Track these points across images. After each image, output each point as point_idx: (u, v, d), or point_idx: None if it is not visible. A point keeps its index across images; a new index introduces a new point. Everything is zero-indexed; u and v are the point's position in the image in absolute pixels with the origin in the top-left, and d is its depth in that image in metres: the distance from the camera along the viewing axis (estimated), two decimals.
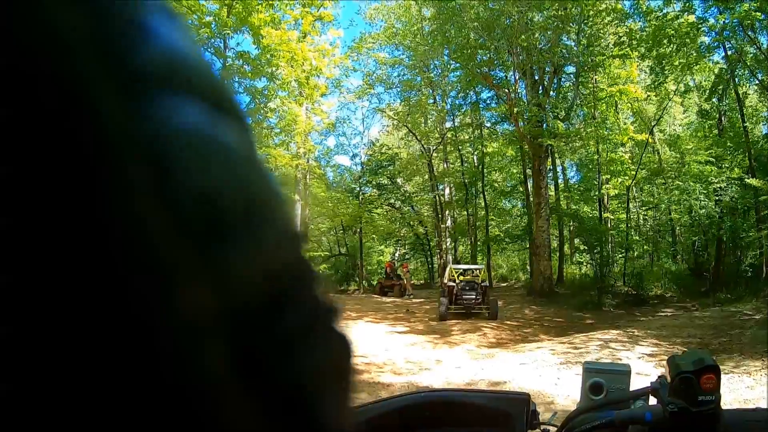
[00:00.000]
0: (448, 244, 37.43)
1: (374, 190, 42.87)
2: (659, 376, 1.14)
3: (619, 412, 1.12)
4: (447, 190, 38.43)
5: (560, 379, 9.86)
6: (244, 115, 0.32)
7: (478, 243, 37.00)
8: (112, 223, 0.19)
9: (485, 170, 36.23)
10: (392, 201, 43.25)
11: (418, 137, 38.49)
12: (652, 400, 1.15)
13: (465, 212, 38.14)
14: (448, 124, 37.77)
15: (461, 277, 22.48)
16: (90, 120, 0.19)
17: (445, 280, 23.24)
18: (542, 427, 1.36)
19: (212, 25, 21.33)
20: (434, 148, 38.48)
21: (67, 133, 0.19)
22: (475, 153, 37.24)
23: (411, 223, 44.44)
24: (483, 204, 36.40)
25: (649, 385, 1.15)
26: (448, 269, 24.39)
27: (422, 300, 28.38)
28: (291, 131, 22.40)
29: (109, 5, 0.22)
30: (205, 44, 21.65)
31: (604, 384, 1.24)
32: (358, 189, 41.76)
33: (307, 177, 29.55)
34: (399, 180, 43.83)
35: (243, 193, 0.27)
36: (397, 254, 49.11)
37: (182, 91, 0.24)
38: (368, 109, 40.97)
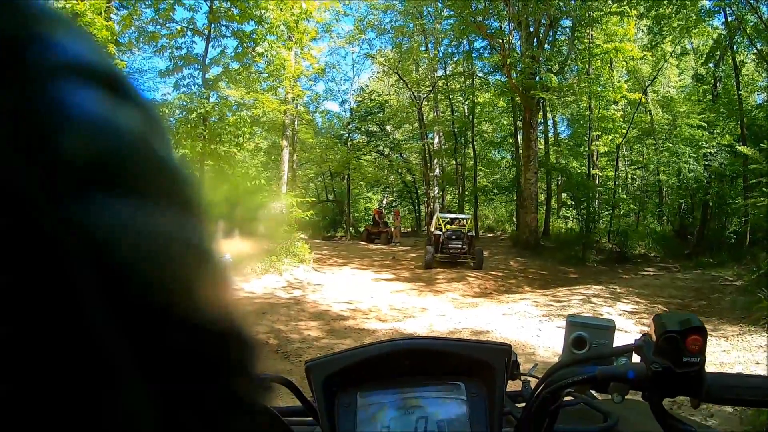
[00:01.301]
0: (435, 192, 37.46)
1: (363, 137, 42.72)
2: (643, 334, 1.11)
3: (601, 368, 1.09)
4: (436, 139, 38.25)
5: (541, 331, 10.02)
6: (197, 205, 0.33)
7: (466, 193, 37.12)
8: (64, 334, 0.19)
9: (475, 120, 36.11)
10: (381, 148, 43.14)
11: (409, 85, 38.21)
12: (636, 358, 1.12)
13: (453, 161, 38.13)
14: (439, 73, 37.52)
15: (448, 226, 22.57)
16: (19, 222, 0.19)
17: (432, 229, 23.36)
18: (522, 378, 1.40)
19: None
20: (425, 96, 38.23)
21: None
22: (466, 103, 37.13)
23: (399, 170, 44.43)
24: (472, 154, 36.43)
25: (633, 342, 1.12)
26: (435, 218, 24.51)
27: (408, 248, 28.61)
28: (279, 76, 22.18)
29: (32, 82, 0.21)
30: None
31: (587, 338, 1.22)
32: (346, 135, 41.62)
33: (296, 123, 29.27)
34: (388, 127, 43.73)
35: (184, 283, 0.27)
36: (384, 201, 49.18)
37: (114, 187, 0.23)
38: (358, 54, 40.58)
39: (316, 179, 45.97)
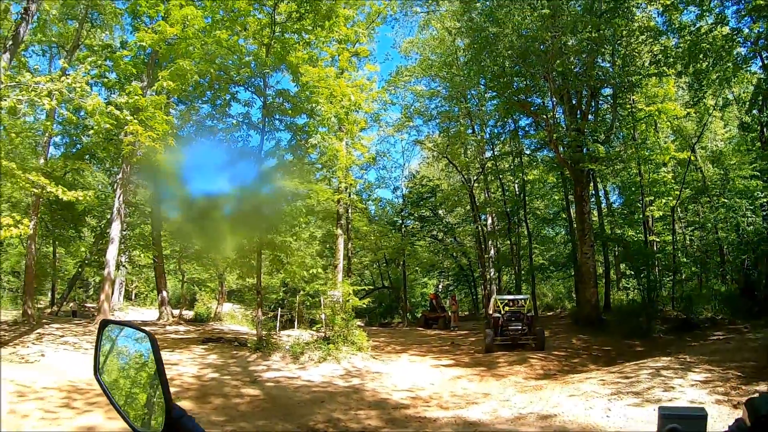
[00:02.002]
0: (491, 274, 37.10)
1: (416, 223, 42.80)
2: (737, 419, 1.08)
3: None
4: (489, 220, 38.17)
5: (611, 411, 9.59)
6: None
7: (522, 272, 36.65)
8: None
9: (527, 198, 35.97)
10: (434, 233, 43.16)
11: (459, 168, 38.54)
12: None
13: (508, 241, 37.84)
14: (487, 154, 37.67)
15: (506, 308, 22.21)
16: None
17: (490, 311, 23.02)
18: None
19: (252, 65, 21.62)
20: (475, 178, 38.39)
21: None
22: (516, 181, 37.11)
23: (454, 254, 44.19)
24: (526, 232, 36.05)
25: (726, 429, 1.07)
26: (492, 300, 24.14)
27: (467, 332, 28.12)
28: (332, 166, 22.52)
29: None
30: (245, 84, 21.95)
31: (681, 430, 1.18)
32: (400, 222, 41.88)
33: (349, 211, 29.59)
34: (440, 212, 43.81)
35: None
36: (440, 286, 49.01)
37: None
38: (407, 141, 41.25)
39: (372, 266, 46.09)
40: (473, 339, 24.23)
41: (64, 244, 34.15)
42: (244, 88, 22.41)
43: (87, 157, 27.58)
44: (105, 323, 2.20)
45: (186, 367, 15.76)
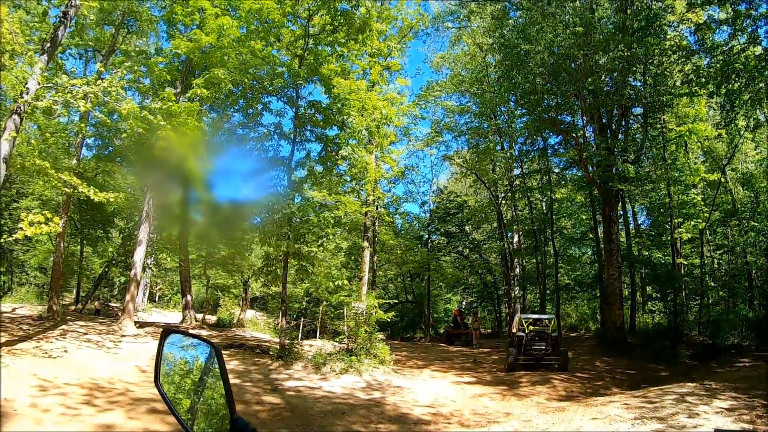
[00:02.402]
0: (516, 292, 36.88)
1: (442, 238, 42.73)
2: None
3: None
4: (516, 238, 38.01)
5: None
6: None
7: (547, 291, 36.39)
8: None
9: (554, 217, 35.76)
10: (460, 249, 42.99)
11: (487, 184, 38.46)
12: None
13: (534, 260, 37.63)
14: (516, 171, 37.63)
15: (531, 327, 22.03)
16: None
17: (514, 330, 22.86)
18: None
19: (285, 76, 21.71)
20: (503, 195, 38.29)
21: None
22: (544, 200, 36.96)
23: (479, 270, 43.99)
24: (552, 251, 35.80)
25: None
26: (516, 318, 23.95)
27: (490, 350, 27.98)
28: (362, 179, 22.48)
29: None
30: (278, 94, 22.03)
31: None
32: (426, 236, 41.88)
33: (376, 224, 29.50)
34: (467, 228, 43.78)
35: None
36: (464, 303, 48.81)
37: None
38: (436, 156, 41.24)
39: (396, 280, 46.09)
40: (495, 357, 24.17)
41: (91, 243, 34.87)
42: (277, 98, 22.53)
43: (119, 159, 27.88)
44: (168, 332, 2.20)
45: None
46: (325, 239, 22.70)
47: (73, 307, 33.64)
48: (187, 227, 30.38)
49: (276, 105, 34.10)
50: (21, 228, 13.70)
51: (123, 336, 21.23)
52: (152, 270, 39.11)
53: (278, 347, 19.67)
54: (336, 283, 21.51)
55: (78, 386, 12.05)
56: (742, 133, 27.86)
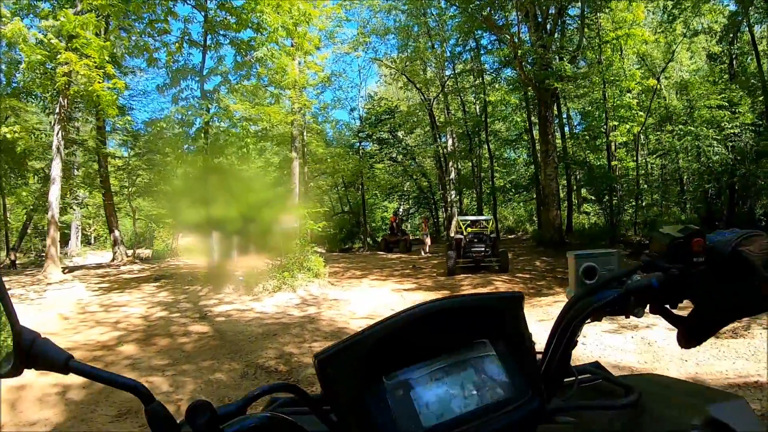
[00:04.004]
0: (452, 196, 36.52)
1: (375, 145, 41.84)
2: (644, 252, 1.20)
3: (628, 282, 1.15)
4: (449, 141, 37.29)
5: (586, 337, 8.93)
6: None
7: (484, 194, 36.14)
8: None
9: (488, 120, 35.15)
10: (394, 155, 42.25)
11: (418, 86, 37.38)
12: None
13: (469, 163, 37.20)
14: (447, 73, 36.57)
15: (469, 229, 21.58)
16: None
17: (452, 233, 22.44)
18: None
19: None
20: (435, 97, 37.34)
21: None
22: (477, 102, 36.25)
23: (414, 176, 43.49)
24: (487, 154, 35.36)
25: (638, 263, 1.18)
26: (454, 221, 23.54)
27: (428, 255, 27.62)
28: (281, 84, 21.27)
29: None
30: None
31: (597, 267, 1.31)
32: (358, 144, 40.89)
33: (304, 134, 28.55)
34: (400, 133, 42.90)
35: None
36: (401, 209, 48.48)
37: None
38: (364, 59, 39.79)
39: (331, 191, 45.31)
40: (435, 262, 23.74)
41: (9, 192, 32.37)
42: (183, 1, 20.79)
43: (22, 95, 25.83)
44: None
45: (134, 307, 14.96)
46: (245, 150, 21.37)
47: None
48: (104, 158, 29.18)
49: (183, 10, 31.83)
50: None
51: (49, 284, 20.04)
52: (76, 210, 37.82)
53: (207, 272, 18.79)
54: (263, 196, 20.61)
55: None
56: (679, 40, 27.54)
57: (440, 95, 37.19)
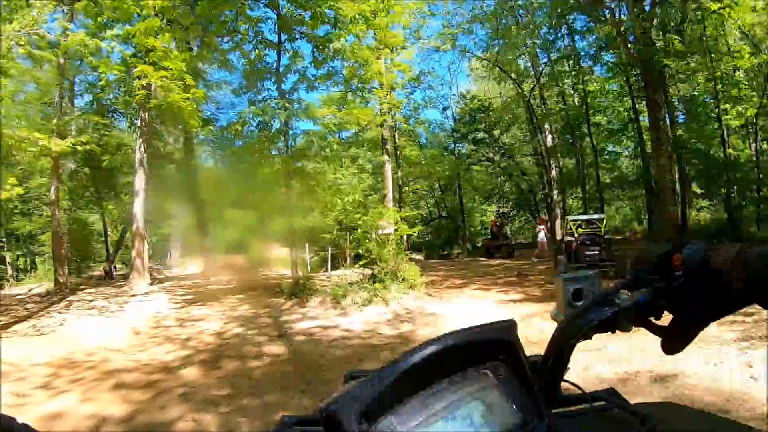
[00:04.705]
0: (555, 196, 34.31)
1: (471, 145, 40.04)
2: (627, 271, 1.22)
3: (618, 300, 1.17)
4: (549, 137, 35.03)
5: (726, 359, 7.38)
6: None
7: (588, 193, 34.01)
8: None
9: (589, 112, 32.91)
10: (490, 155, 40.38)
11: (512, 76, 35.37)
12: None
13: (573, 159, 35.17)
14: (543, 61, 34.54)
15: (580, 230, 19.60)
16: None
17: (559, 237, 20.58)
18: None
19: None
20: (530, 90, 35.25)
21: None
22: (576, 93, 33.98)
23: (513, 174, 41.36)
24: (589, 149, 33.18)
25: (621, 280, 1.22)
26: (564, 222, 21.63)
27: (534, 260, 25.55)
28: (364, 78, 19.87)
29: None
30: None
31: (584, 289, 1.28)
32: (453, 145, 39.44)
33: (396, 136, 27.34)
34: (495, 132, 41.00)
35: None
36: (499, 213, 46.65)
37: None
38: (453, 52, 37.93)
39: (427, 197, 43.91)
40: (542, 267, 21.89)
41: (98, 205, 32.96)
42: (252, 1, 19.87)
43: (111, 113, 27.03)
44: None
45: (210, 322, 14.04)
46: (330, 150, 19.92)
47: (96, 273, 32.66)
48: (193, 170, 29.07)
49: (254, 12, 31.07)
50: None
51: (133, 296, 20.05)
52: (173, 222, 38.74)
53: (292, 284, 17.53)
54: (349, 198, 19.13)
55: (47, 365, 10.45)
56: None
57: (536, 87, 35.05)
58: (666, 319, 1.17)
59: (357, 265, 18.43)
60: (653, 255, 1.16)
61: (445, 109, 40.14)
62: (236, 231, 42.90)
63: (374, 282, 15.51)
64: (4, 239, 36.85)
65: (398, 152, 28.49)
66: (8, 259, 37.65)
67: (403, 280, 15.93)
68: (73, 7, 22.10)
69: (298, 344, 10.98)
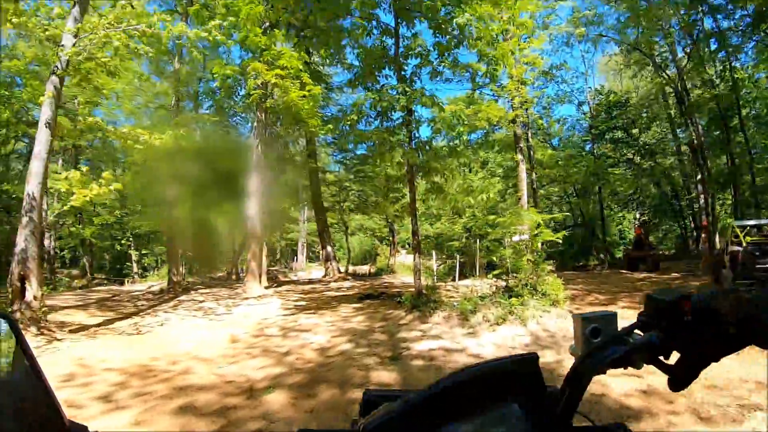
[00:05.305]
0: (706, 199, 30.96)
1: (608, 144, 37.03)
2: (639, 313, 1.26)
3: (634, 340, 1.22)
4: (694, 134, 31.67)
5: None
6: None
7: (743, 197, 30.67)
8: None
9: (740, 102, 29.58)
10: (629, 156, 37.29)
11: (653, 59, 32.46)
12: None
13: (720, 158, 31.85)
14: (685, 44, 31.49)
15: (748, 238, 16.79)
16: None
17: (724, 246, 17.88)
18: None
19: None
20: (678, 79, 31.97)
21: None
22: (722, 80, 30.54)
23: (656, 178, 38.09)
24: (743, 146, 29.87)
25: (635, 322, 1.25)
26: (723, 229, 18.89)
27: (683, 273, 23.18)
28: (495, 61, 17.59)
29: None
30: None
31: (601, 328, 1.31)
32: (590, 144, 36.85)
33: (529, 134, 25.36)
34: (634, 130, 37.97)
35: None
36: (639, 220, 43.47)
37: None
38: (586, 41, 35.77)
39: (560, 202, 41.43)
40: (696, 283, 19.04)
41: (219, 208, 33.65)
42: None
43: (231, 117, 29.05)
44: None
45: (318, 335, 12.63)
46: (459, 142, 17.68)
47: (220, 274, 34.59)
48: (314, 174, 30.38)
49: None
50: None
51: (245, 299, 20.49)
52: (299, 226, 42.41)
53: (414, 294, 15.65)
54: (482, 197, 17.12)
55: (119, 371, 9.51)
56: None
57: (680, 74, 31.66)
58: (671, 357, 1.21)
59: (490, 276, 16.36)
60: (663, 302, 1.19)
61: (581, 104, 37.52)
62: (359, 236, 42.80)
63: (509, 296, 13.34)
64: (130, 238, 39.36)
65: (531, 152, 26.39)
66: (134, 257, 40.46)
67: (544, 294, 13.68)
68: (185, 13, 23.28)
69: (414, 371, 9.02)
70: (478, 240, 23.48)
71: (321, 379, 8.71)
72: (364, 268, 37.30)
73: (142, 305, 19.33)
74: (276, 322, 14.72)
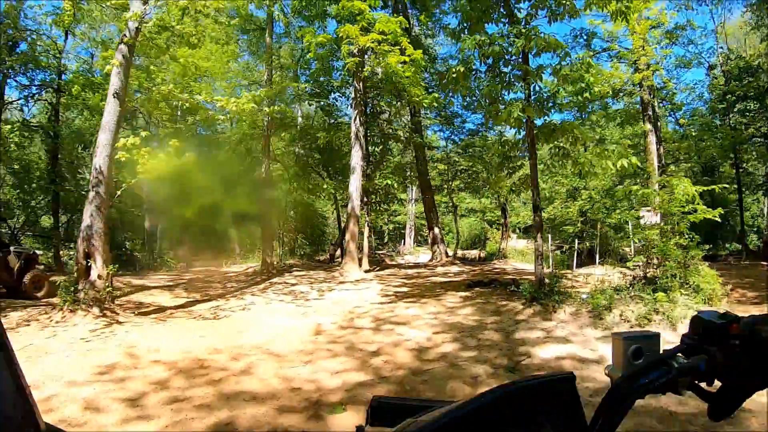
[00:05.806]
0: None
1: (739, 116, 32.72)
2: (684, 335, 1.22)
3: (680, 364, 1.16)
4: None
5: None
6: None
7: None
8: None
9: None
10: (764, 129, 33.09)
11: None
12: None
13: None
14: None
15: None
16: None
17: None
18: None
19: None
20: None
21: None
22: None
23: None
24: None
25: (679, 344, 1.22)
26: None
27: None
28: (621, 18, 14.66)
29: None
30: None
31: (643, 349, 1.22)
32: (726, 114, 32.43)
33: (656, 101, 22.45)
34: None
35: None
36: None
37: None
38: None
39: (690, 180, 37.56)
40: None
41: (311, 191, 34.20)
42: None
43: (334, 95, 28.73)
44: None
45: (416, 329, 10.83)
46: (588, 94, 14.39)
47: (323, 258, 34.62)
48: (419, 149, 29.30)
49: None
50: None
51: (341, 283, 19.49)
52: (408, 206, 42.02)
53: (534, 284, 13.04)
54: (621, 163, 14.15)
55: (167, 366, 8.39)
56: None
57: None
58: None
59: (628, 263, 13.97)
60: (713, 324, 1.15)
61: (712, 68, 33.45)
62: (468, 220, 40.98)
63: (653, 290, 10.56)
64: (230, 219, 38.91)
65: (658, 123, 23.42)
66: (235, 238, 40.08)
67: (696, 289, 11.02)
68: None
69: None
70: (599, 224, 21.19)
71: (415, 391, 7.03)
72: (473, 253, 36.32)
73: (231, 287, 18.95)
74: (369, 312, 13.22)
